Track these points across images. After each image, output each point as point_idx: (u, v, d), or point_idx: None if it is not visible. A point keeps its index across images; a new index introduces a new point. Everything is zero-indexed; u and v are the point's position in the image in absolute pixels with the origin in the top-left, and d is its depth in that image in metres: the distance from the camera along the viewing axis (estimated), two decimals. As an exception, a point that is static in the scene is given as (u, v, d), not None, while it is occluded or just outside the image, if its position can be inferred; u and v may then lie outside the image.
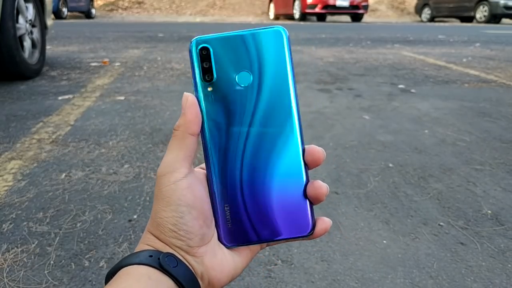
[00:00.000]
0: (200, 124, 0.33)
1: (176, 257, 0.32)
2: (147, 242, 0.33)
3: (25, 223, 1.04)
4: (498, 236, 1.02)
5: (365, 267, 0.90)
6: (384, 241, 1.00)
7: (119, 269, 0.31)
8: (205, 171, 0.35)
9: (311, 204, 0.34)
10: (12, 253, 0.92)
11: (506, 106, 2.28)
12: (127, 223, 1.05)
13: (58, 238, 0.98)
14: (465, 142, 1.69)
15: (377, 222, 1.08)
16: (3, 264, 0.88)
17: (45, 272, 0.86)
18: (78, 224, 1.04)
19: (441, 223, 1.08)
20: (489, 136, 1.77)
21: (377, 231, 1.04)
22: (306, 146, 0.34)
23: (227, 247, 0.35)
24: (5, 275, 0.84)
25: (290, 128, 0.33)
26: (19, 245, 0.94)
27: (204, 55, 0.32)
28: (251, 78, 0.32)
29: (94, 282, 0.83)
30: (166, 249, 0.33)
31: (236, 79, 0.32)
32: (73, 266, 0.88)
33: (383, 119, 2.00)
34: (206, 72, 0.32)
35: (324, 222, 0.35)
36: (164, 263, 0.31)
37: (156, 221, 0.33)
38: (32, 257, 0.90)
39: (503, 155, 1.56)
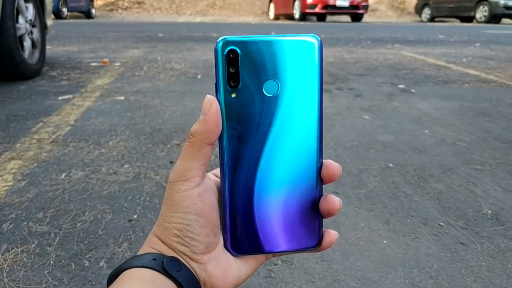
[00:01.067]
0: (219, 133, 0.32)
1: (180, 261, 0.32)
2: (152, 245, 0.33)
3: (25, 223, 1.04)
4: (498, 236, 1.02)
5: (365, 267, 0.90)
6: (384, 241, 1.00)
7: (122, 271, 0.31)
8: (218, 178, 0.35)
9: (322, 217, 0.34)
10: (12, 253, 0.92)
11: (506, 106, 2.28)
12: (127, 223, 1.05)
13: (58, 238, 0.98)
14: (465, 142, 1.69)
15: (377, 222, 1.08)
16: (3, 264, 0.88)
17: (45, 272, 0.86)
18: (78, 224, 1.04)
19: (441, 223, 1.08)
20: (489, 136, 1.77)
21: (377, 231, 1.04)
22: (324, 160, 0.34)
23: (236, 256, 0.35)
24: (5, 275, 0.84)
25: (311, 143, 0.32)
26: (19, 245, 0.94)
27: (232, 58, 0.30)
28: (278, 88, 0.31)
29: (94, 282, 0.83)
30: (170, 253, 0.33)
31: (263, 88, 0.31)
32: (73, 266, 0.88)
33: (383, 119, 2.00)
34: (232, 77, 0.30)
35: (330, 235, 0.35)
36: (167, 266, 0.31)
37: (163, 225, 0.33)
38: (32, 257, 0.90)
39: (503, 155, 1.56)
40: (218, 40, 0.30)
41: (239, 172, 0.32)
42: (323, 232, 0.35)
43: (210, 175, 0.36)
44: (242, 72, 0.30)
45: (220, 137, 0.32)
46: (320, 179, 0.34)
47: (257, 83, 0.31)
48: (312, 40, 0.31)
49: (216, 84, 0.31)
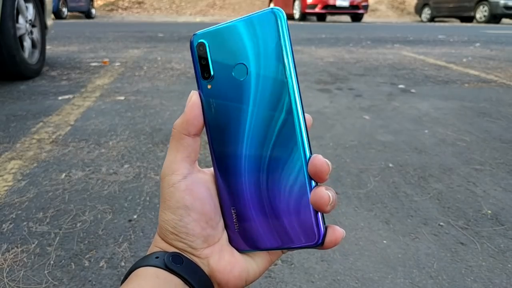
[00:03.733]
0: (200, 125, 0.32)
1: (182, 255, 0.32)
2: (156, 244, 0.34)
3: (25, 223, 1.04)
4: (498, 236, 1.02)
5: (365, 267, 0.90)
6: (384, 241, 1.00)
7: (131, 272, 0.32)
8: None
9: (319, 213, 0.31)
10: (12, 253, 0.91)
11: (506, 106, 2.28)
12: (127, 223, 1.05)
13: (58, 238, 0.98)
14: (465, 142, 1.69)
15: (377, 222, 1.08)
16: (3, 264, 0.88)
17: (45, 272, 0.86)
18: (78, 224, 1.04)
19: (441, 223, 1.08)
20: (489, 136, 1.77)
21: (377, 231, 1.04)
22: (313, 156, 0.30)
23: (239, 252, 0.34)
24: (5, 275, 0.84)
25: (295, 125, 0.29)
26: (19, 245, 0.94)
27: (201, 51, 0.31)
28: (247, 70, 0.30)
29: (94, 282, 0.83)
30: (172, 249, 0.33)
31: (233, 73, 0.30)
32: (73, 266, 0.88)
33: (383, 119, 2.00)
34: (204, 69, 0.31)
35: (334, 233, 0.31)
36: (168, 262, 0.31)
37: (159, 225, 0.33)
38: (32, 257, 0.90)
39: (503, 155, 1.56)
40: (192, 36, 0.31)
41: (228, 164, 0.32)
42: (325, 229, 0.31)
43: (206, 170, 0.35)
44: (212, 63, 0.31)
45: (207, 131, 0.32)
46: (309, 172, 0.30)
47: (226, 70, 0.30)
48: (272, 11, 0.29)
49: (196, 78, 0.31)
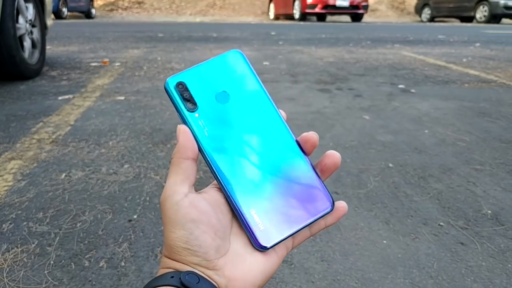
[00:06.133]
0: (194, 148, 0.35)
1: (197, 273, 0.32)
2: (166, 266, 0.34)
3: (25, 223, 1.04)
4: (498, 236, 1.02)
5: (365, 267, 0.90)
6: (384, 241, 1.00)
7: None
8: (214, 188, 0.37)
9: (325, 186, 0.37)
10: (12, 253, 0.92)
11: (506, 106, 2.28)
12: (127, 223, 1.05)
13: (58, 238, 0.98)
14: (465, 142, 1.69)
15: (377, 222, 1.08)
16: (3, 264, 0.88)
17: (45, 272, 0.86)
18: (78, 224, 1.04)
19: (441, 223, 1.08)
20: (489, 136, 1.77)
21: (377, 231, 1.04)
22: (298, 136, 0.38)
23: (266, 249, 0.35)
24: (5, 275, 0.84)
25: (278, 125, 0.37)
26: (19, 245, 0.94)
27: (182, 89, 0.36)
28: (228, 94, 0.36)
29: (94, 282, 0.83)
30: (185, 268, 0.33)
31: (216, 100, 0.36)
32: (73, 266, 0.88)
33: (383, 119, 2.00)
34: (188, 102, 0.36)
35: (340, 203, 0.37)
36: (185, 281, 0.31)
37: (168, 244, 0.33)
38: (32, 257, 0.90)
39: (503, 155, 1.56)
40: (165, 81, 0.36)
41: (232, 174, 0.35)
42: (332, 197, 0.37)
43: (207, 188, 0.37)
44: (195, 95, 0.36)
45: (202, 154, 0.35)
46: (302, 149, 0.37)
47: (209, 99, 0.36)
48: (235, 53, 0.38)
49: (179, 115, 0.36)
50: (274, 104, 0.37)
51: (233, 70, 0.37)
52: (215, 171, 0.35)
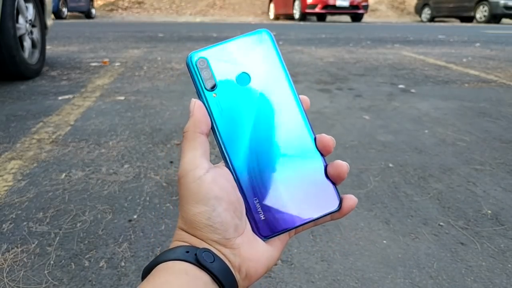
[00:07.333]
0: (209, 124, 0.34)
1: (213, 252, 0.32)
2: (181, 239, 0.33)
3: (25, 223, 1.04)
4: (498, 236, 1.02)
5: (365, 267, 0.90)
6: (384, 241, 1.00)
7: (156, 265, 0.31)
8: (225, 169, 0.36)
9: (334, 184, 0.36)
10: (12, 253, 0.92)
11: (506, 106, 2.28)
12: (127, 223, 1.05)
13: (58, 238, 0.98)
14: (465, 142, 1.69)
15: (377, 222, 1.08)
16: (3, 264, 0.88)
17: (45, 272, 0.86)
18: (78, 224, 1.04)
19: (441, 223, 1.08)
20: (489, 136, 1.77)
21: (377, 231, 1.04)
22: (317, 135, 0.36)
23: (265, 239, 0.35)
24: (5, 275, 0.84)
25: (298, 117, 0.35)
26: (19, 245, 0.94)
27: (203, 65, 0.35)
28: (249, 77, 0.35)
29: (94, 282, 0.83)
30: (202, 244, 0.32)
31: (236, 81, 0.35)
32: (73, 266, 0.88)
33: (383, 119, 2.00)
34: (208, 80, 0.34)
35: (350, 199, 0.36)
36: (201, 258, 0.31)
37: (189, 219, 0.33)
38: (32, 257, 0.90)
39: (503, 155, 1.56)
40: (188, 55, 0.35)
41: (242, 158, 0.35)
42: (342, 197, 0.36)
43: (219, 164, 0.36)
44: (215, 74, 0.35)
45: (214, 133, 0.35)
46: (318, 149, 0.36)
47: (229, 79, 0.35)
48: (263, 33, 0.36)
49: (197, 92, 0.35)
50: (296, 93, 0.36)
51: (259, 51, 0.35)
52: (226, 154, 0.34)
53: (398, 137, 1.74)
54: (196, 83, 0.35)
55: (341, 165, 0.35)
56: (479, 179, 1.35)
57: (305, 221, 0.35)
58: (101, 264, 0.89)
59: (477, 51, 4.93)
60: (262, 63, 0.35)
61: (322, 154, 0.36)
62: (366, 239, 1.00)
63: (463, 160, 1.50)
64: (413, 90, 2.68)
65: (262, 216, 0.35)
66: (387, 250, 0.96)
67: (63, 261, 0.89)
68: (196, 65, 0.34)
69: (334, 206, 0.35)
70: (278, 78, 0.35)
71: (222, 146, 0.34)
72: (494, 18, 11.30)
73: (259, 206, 0.35)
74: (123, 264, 0.89)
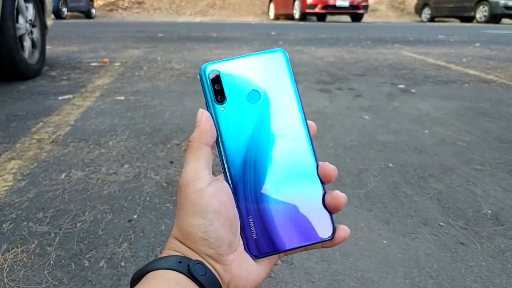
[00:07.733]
0: (214, 136, 0.34)
1: (205, 265, 0.32)
2: (175, 248, 0.33)
3: (25, 223, 1.04)
4: (498, 236, 1.02)
5: (365, 267, 0.90)
6: (384, 241, 1.00)
7: (147, 272, 0.31)
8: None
9: (330, 212, 0.36)
10: (12, 253, 0.92)
11: (506, 106, 2.28)
12: (127, 223, 1.05)
13: (58, 238, 0.98)
14: (465, 142, 1.69)
15: (377, 222, 1.08)
16: (3, 264, 0.88)
17: (45, 272, 0.86)
18: (78, 224, 1.04)
19: (441, 223, 1.08)
20: (489, 136, 1.77)
21: (377, 231, 1.04)
22: (320, 163, 0.36)
23: (255, 258, 0.35)
24: (5, 275, 0.84)
25: (303, 141, 0.35)
26: (19, 245, 0.94)
27: (215, 78, 0.35)
28: (260, 95, 0.35)
29: (94, 282, 0.83)
30: (195, 256, 0.32)
31: (246, 98, 0.35)
32: (73, 266, 0.88)
33: (383, 119, 2.00)
34: (218, 94, 0.35)
35: (343, 230, 0.36)
36: (193, 270, 0.31)
37: (185, 230, 0.33)
38: (32, 257, 0.90)
39: (503, 155, 1.56)
40: (202, 67, 0.35)
41: (242, 176, 0.35)
42: (336, 226, 0.36)
43: (220, 177, 0.36)
44: (226, 88, 0.35)
45: (218, 146, 0.35)
46: (319, 176, 0.36)
47: (240, 95, 0.35)
48: (279, 53, 0.36)
49: (206, 103, 0.35)
50: (305, 118, 0.36)
51: (272, 71, 0.36)
52: (227, 168, 0.35)
53: (398, 137, 1.74)
54: (206, 94, 0.35)
55: (340, 197, 0.35)
56: (479, 179, 1.35)
57: (296, 246, 0.35)
58: (101, 264, 0.89)
59: (477, 51, 4.93)
60: (274, 83, 0.35)
61: (322, 182, 0.36)
62: (366, 239, 1.00)
63: (463, 160, 1.50)
64: (413, 90, 2.68)
65: (254, 236, 0.35)
66: (387, 250, 0.96)
67: (63, 261, 0.89)
68: (208, 76, 0.35)
69: (327, 234, 0.35)
70: (288, 101, 0.35)
71: (224, 160, 0.35)
72: (494, 18, 11.30)
73: (252, 225, 0.35)
74: (123, 264, 0.89)
